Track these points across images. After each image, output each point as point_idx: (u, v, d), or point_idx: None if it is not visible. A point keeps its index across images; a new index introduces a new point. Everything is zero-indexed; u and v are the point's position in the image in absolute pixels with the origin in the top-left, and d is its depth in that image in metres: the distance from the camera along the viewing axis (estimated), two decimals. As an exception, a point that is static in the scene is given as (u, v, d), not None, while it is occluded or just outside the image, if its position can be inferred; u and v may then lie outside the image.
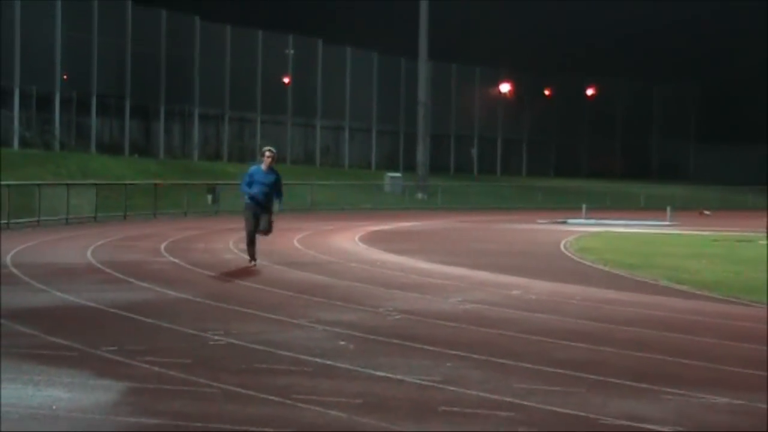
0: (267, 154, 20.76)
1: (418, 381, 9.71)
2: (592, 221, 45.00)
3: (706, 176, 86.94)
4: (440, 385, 9.53)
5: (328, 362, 10.59)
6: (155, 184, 43.83)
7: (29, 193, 35.05)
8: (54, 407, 8.44)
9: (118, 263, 21.23)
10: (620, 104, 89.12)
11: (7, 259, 21.56)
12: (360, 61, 73.47)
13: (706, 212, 58.24)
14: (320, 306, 15.06)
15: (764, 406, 8.88)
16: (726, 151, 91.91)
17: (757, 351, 11.72)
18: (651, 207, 60.13)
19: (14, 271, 19.23)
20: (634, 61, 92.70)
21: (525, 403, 8.84)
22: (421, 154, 66.68)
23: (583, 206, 49.79)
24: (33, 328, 12.39)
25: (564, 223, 44.34)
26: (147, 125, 62.11)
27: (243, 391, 9.16)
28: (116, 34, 57.52)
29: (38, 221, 33.97)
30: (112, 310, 14.16)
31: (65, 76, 55.17)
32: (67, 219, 35.91)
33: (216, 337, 12.00)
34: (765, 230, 34.12)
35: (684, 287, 18.40)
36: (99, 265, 20.80)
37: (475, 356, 11.05)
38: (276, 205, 20.91)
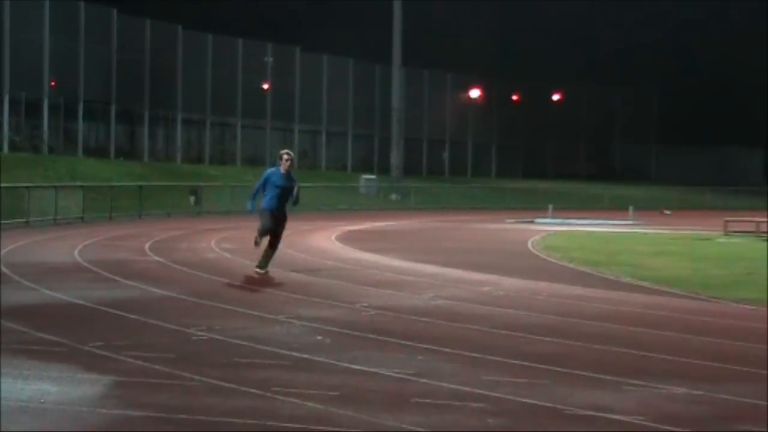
0: (285, 157, 19.16)
1: (392, 374, 9.72)
2: (558, 221, 45.10)
3: (666, 177, 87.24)
4: (413, 378, 9.54)
5: (306, 356, 10.59)
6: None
7: (19, 195, 34.91)
8: (42, 400, 8.42)
9: (105, 262, 21.16)
10: (585, 109, 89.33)
11: (-2, 258, 21.49)
12: (336, 68, 73.54)
13: (667, 212, 58.47)
14: (298, 302, 15.05)
15: (721, 396, 8.92)
16: (685, 154, 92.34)
17: (715, 344, 11.78)
18: (614, 207, 60.26)
19: (5, 270, 19.14)
20: (598, 67, 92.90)
21: (494, 394, 8.86)
22: (395, 156, 66.83)
23: (550, 206, 49.90)
24: (23, 325, 12.34)
25: (531, 222, 44.41)
26: (132, 129, 62.00)
27: (224, 384, 9.15)
28: (102, 43, 57.49)
29: (28, 222, 33.85)
30: (99, 308, 14.12)
31: (53, 83, 55.09)
32: (55, 219, 35.80)
33: (199, 333, 11.98)
34: (722, 229, 34.27)
35: (646, 283, 18.46)
36: (86, 264, 20.73)
37: (446, 350, 11.06)
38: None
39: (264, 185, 19.01)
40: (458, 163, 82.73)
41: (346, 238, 30.86)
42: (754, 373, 10.02)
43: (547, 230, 37.39)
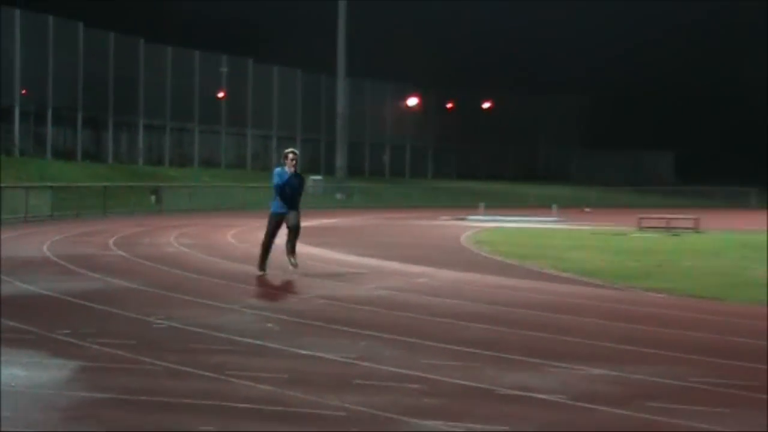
0: (291, 156, 17.60)
1: (337, 358, 9.71)
2: (489, 218, 45.21)
3: (586, 178, 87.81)
4: (356, 362, 9.54)
5: (258, 342, 10.56)
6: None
7: (-8, 195, 34.57)
8: (13, 384, 8.33)
9: (72, 256, 20.98)
10: (513, 115, 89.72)
11: (-28, 253, 21.25)
12: (285, 78, 73.58)
13: (587, 209, 58.74)
14: (251, 293, 15.00)
15: (635, 376, 8.99)
16: (604, 157, 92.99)
17: (629, 329, 11.86)
18: (539, 205, 60.55)
19: (-22, 264, 18.94)
20: (526, 77, 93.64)
21: (430, 376, 8.87)
22: (340, 159, 66.84)
23: (481, 205, 50.01)
24: (-5, 315, 12.22)
25: (464, 219, 44.50)
26: (97, 134, 61.56)
27: (182, 368, 9.11)
28: (70, 54, 57.08)
29: (0, 220, 33.48)
30: (67, 298, 14.00)
31: (24, 91, 54.63)
32: (26, 218, 35.44)
33: (159, 321, 11.91)
34: (636, 225, 34.54)
35: (568, 274, 18.56)
36: (55, 259, 20.55)
37: (387, 336, 11.07)
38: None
39: (284, 182, 17.54)
40: (397, 165, 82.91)
41: (295, 234, 30.77)
42: (663, 355, 10.11)
43: (479, 227, 37.51)
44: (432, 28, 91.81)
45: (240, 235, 29.61)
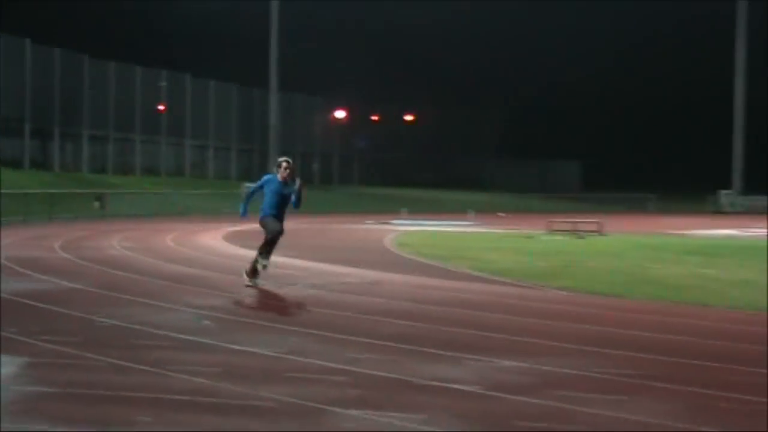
0: (284, 165, 16.13)
1: (268, 353, 9.70)
2: (410, 222, 45.34)
3: (500, 185, 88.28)
4: (286, 356, 9.53)
5: (194, 339, 10.51)
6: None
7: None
8: (-37, 380, 8.22)
9: (20, 259, 20.70)
10: (432, 127, 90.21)
11: (-76, 256, 20.88)
12: (222, 92, 73.37)
13: (501, 214, 59.05)
14: (188, 292, 14.91)
15: (544, 367, 9.09)
16: (516, 165, 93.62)
17: (539, 324, 11.97)
18: (457, 210, 60.64)
19: (-70, 266, 18.62)
20: (443, 91, 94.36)
21: (354, 369, 8.90)
22: (272, 167, 66.65)
23: (404, 210, 50.15)
24: (-54, 314, 12.02)
25: (387, 223, 44.57)
26: (44, 144, 60.83)
27: (124, 363, 9.04)
28: (17, 69, 56.45)
29: (-49, 224, 32.96)
30: (15, 298, 13.81)
31: (-26, 103, 53.87)
32: (-25, 222, 34.91)
33: (102, 320, 11.80)
34: (546, 228, 34.85)
35: (483, 274, 18.65)
36: (4, 261, 20.25)
37: (315, 332, 11.06)
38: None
39: (261, 189, 16.30)
40: (326, 172, 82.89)
41: (231, 238, 30.59)
42: (570, 348, 10.22)
43: (401, 230, 37.56)
44: (360, 45, 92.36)
45: (178, 239, 29.40)
